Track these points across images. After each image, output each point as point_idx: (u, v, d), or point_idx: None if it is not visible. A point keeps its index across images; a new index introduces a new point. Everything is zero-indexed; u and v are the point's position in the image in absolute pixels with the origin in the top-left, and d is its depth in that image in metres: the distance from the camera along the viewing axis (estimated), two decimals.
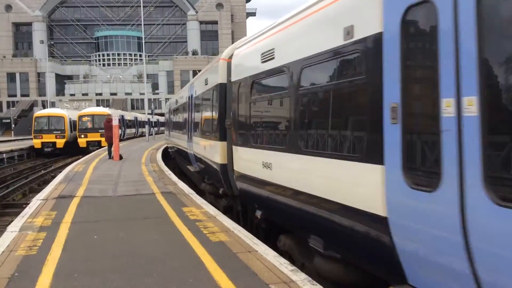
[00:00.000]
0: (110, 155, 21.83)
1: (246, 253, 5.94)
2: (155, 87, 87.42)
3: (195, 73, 66.12)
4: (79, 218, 8.33)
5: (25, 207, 10.44)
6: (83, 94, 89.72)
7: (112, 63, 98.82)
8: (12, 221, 9.80)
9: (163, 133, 58.70)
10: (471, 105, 3.17)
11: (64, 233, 7.14)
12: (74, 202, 10.01)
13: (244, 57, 8.71)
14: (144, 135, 47.85)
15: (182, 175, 19.00)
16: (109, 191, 11.75)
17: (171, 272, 5.29)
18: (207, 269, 5.31)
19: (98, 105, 70.77)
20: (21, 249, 6.28)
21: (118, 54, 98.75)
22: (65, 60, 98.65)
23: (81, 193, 11.28)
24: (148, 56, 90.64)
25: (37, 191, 17.09)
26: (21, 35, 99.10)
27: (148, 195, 11.02)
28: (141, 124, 54.21)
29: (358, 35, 4.49)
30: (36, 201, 10.25)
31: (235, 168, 8.99)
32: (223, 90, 10.10)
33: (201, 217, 8.28)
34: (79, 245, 6.48)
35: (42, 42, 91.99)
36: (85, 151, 34.17)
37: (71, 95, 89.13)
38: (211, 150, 11.01)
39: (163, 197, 10.67)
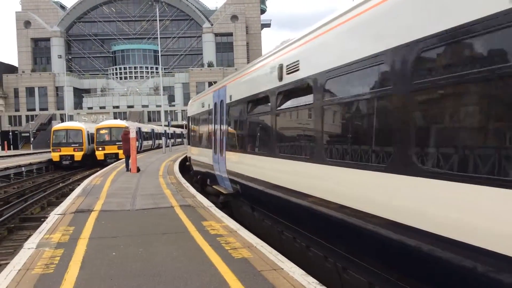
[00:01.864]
0: (127, 168, 21.75)
1: (272, 271, 5.64)
2: (171, 99, 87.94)
3: (210, 84, 66.30)
4: (97, 234, 8.12)
5: (43, 221, 10.29)
6: (100, 107, 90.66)
7: (129, 76, 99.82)
8: (29, 236, 9.66)
9: (180, 144, 58.89)
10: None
11: (82, 250, 6.92)
12: (92, 217, 9.82)
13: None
14: (161, 147, 47.94)
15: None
16: (127, 204, 11.55)
17: None
18: None
19: (115, 117, 71.46)
20: (38, 267, 6.06)
21: (135, 68, 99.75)
22: (82, 74, 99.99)
23: (99, 207, 11.10)
24: (164, 68, 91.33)
25: (55, 204, 17.04)
26: (40, 50, 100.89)
27: (167, 209, 10.79)
28: (158, 136, 54.36)
29: None
30: (53, 216, 10.08)
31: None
32: None
33: (222, 232, 8.00)
34: (97, 263, 6.24)
35: (60, 56, 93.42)
36: (102, 164, 34.26)
37: (89, 108, 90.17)
38: None
39: (182, 210, 10.43)
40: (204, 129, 16.40)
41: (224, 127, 12.83)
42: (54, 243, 7.40)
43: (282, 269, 5.72)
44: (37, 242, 7.51)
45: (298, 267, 5.83)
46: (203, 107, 16.42)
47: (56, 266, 6.09)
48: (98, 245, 7.24)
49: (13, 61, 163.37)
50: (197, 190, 14.45)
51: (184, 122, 36.08)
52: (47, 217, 10.54)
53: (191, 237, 7.68)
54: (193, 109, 19.42)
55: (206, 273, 5.63)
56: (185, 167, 26.84)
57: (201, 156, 16.73)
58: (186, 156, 28.29)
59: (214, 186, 14.20)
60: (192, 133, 19.76)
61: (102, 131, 38.54)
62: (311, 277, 5.38)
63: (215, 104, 14.06)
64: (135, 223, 9.15)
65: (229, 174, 12.09)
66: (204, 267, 5.92)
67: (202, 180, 17.37)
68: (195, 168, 19.36)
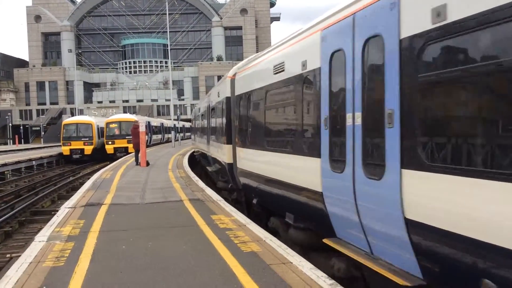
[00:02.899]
0: (137, 162, 21.84)
1: (280, 265, 5.63)
2: (180, 93, 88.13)
3: (219, 78, 66.26)
4: (107, 227, 8.17)
5: (53, 214, 10.38)
6: (110, 101, 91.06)
7: (139, 71, 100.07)
8: (40, 229, 9.74)
9: (189, 138, 59.03)
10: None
11: (92, 243, 6.97)
12: (102, 210, 9.88)
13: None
14: (170, 141, 48.09)
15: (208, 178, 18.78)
16: (136, 198, 11.61)
17: (202, 286, 5.02)
18: (241, 283, 5.03)
19: (125, 112, 71.75)
20: (49, 260, 6.11)
21: (144, 62, 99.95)
22: (92, 68, 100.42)
23: (109, 201, 11.16)
24: (174, 62, 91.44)
25: (66, 197, 17.18)
26: (50, 44, 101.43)
27: (176, 202, 10.83)
28: (167, 130, 54.53)
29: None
30: (64, 209, 10.16)
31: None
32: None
33: (231, 226, 8.01)
34: (107, 256, 6.28)
35: (70, 51, 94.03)
36: (112, 158, 34.45)
37: (99, 102, 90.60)
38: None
39: (191, 204, 10.46)
40: (286, 117, 8.18)
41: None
42: (64, 236, 7.45)
43: (291, 263, 5.72)
44: (48, 235, 7.57)
45: (307, 261, 5.82)
46: (280, 72, 8.10)
47: (67, 259, 6.14)
48: (108, 239, 7.29)
49: (24, 55, 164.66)
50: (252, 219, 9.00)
51: (191, 116, 35.54)
52: (57, 211, 10.63)
53: (200, 230, 7.70)
54: (245, 82, 11.11)
55: (215, 267, 5.65)
56: (194, 161, 26.93)
57: (274, 166, 8.68)
58: (194, 151, 28.32)
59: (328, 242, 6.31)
60: (243, 125, 11.11)
61: (112, 125, 38.72)
62: (320, 271, 5.36)
63: (331, 57, 6.10)
64: (145, 217, 9.20)
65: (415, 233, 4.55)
66: (213, 260, 5.93)
67: (266, 210, 10.00)
68: (248, 182, 10.90)
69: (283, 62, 7.91)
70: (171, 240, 7.13)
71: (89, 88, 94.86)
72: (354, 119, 5.41)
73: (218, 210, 9.62)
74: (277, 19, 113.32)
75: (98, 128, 39.23)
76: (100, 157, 38.00)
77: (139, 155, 21.59)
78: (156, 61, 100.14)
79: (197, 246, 6.72)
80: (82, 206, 10.52)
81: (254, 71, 10.27)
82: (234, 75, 12.27)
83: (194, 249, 6.57)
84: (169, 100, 69.59)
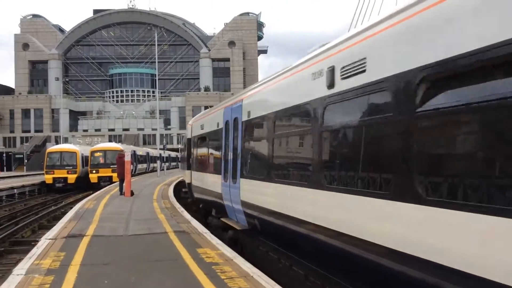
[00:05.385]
0: (121, 191, 21.48)
1: None
2: (167, 122, 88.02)
3: (206, 108, 66.46)
4: (88, 260, 7.89)
5: (33, 245, 10.03)
6: (96, 130, 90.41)
7: (126, 100, 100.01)
8: (19, 260, 9.40)
9: (175, 168, 58.59)
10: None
11: (72, 277, 6.69)
12: (84, 242, 9.58)
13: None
14: (156, 170, 47.61)
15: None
16: (120, 229, 11.31)
17: None
18: None
19: (110, 140, 71.09)
20: None
21: (132, 91, 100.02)
22: (79, 97, 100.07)
23: (91, 232, 10.85)
24: (161, 92, 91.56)
25: (47, 227, 16.73)
26: (37, 72, 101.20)
27: (161, 234, 10.57)
28: (153, 159, 54.12)
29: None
30: (44, 241, 9.83)
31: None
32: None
33: (217, 260, 7.79)
34: None
35: (57, 79, 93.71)
36: (96, 187, 33.91)
37: (84, 130, 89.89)
38: None
39: (176, 236, 10.21)
40: (210, 151, 14.18)
41: (240, 149, 10.45)
42: (44, 270, 7.16)
43: None
44: (27, 268, 7.27)
45: None
46: (209, 126, 14.20)
47: None
48: (89, 273, 7.02)
49: (10, 82, 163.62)
50: (199, 221, 12.78)
51: (180, 146, 35.84)
52: (38, 241, 10.29)
53: (185, 265, 7.47)
54: (195, 129, 17.22)
55: None
56: (179, 191, 26.60)
57: (206, 182, 14.51)
58: (181, 180, 28.06)
59: (223, 219, 12.06)
60: (193, 156, 17.42)
61: (96, 154, 38.30)
62: None
63: (226, 123, 11.74)
64: (128, 250, 8.93)
65: (245, 206, 9.96)
66: None
67: (205, 210, 15.94)
68: (196, 195, 17.00)
69: (209, 122, 14.26)
70: (155, 275, 6.89)
71: (75, 116, 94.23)
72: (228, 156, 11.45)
73: (204, 243, 9.39)
74: (265, 52, 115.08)
75: (82, 157, 38.73)
76: (84, 186, 37.40)
77: (124, 184, 21.26)
78: (143, 91, 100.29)
79: (183, 282, 6.49)
80: (64, 237, 10.19)
81: (200, 123, 16.10)
82: (192, 124, 18.21)
83: (179, 285, 6.34)
84: (155, 129, 69.41)
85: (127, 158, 20.94)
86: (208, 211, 15.08)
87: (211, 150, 14.10)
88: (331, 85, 5.92)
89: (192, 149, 17.68)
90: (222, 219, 12.08)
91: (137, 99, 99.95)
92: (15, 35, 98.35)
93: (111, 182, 33.85)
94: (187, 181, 18.50)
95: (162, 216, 13.86)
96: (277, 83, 8.42)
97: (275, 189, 7.97)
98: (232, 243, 10.88)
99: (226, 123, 11.69)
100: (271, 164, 8.33)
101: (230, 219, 11.58)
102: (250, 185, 9.54)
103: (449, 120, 4.00)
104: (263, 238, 9.48)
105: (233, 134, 10.99)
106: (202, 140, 15.45)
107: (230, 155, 11.08)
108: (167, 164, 53.64)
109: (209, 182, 13.79)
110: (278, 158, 8.29)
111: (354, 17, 19.98)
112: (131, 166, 22.26)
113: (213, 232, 11.17)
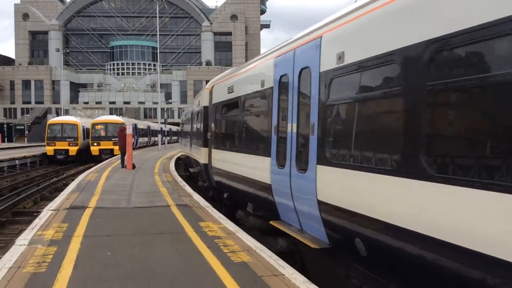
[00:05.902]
0: (123, 164, 21.50)
1: (272, 277, 5.44)
2: (168, 96, 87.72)
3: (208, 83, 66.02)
4: (91, 232, 7.90)
5: (35, 216, 10.05)
6: (96, 103, 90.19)
7: (126, 72, 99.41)
8: (22, 230, 9.43)
9: (175, 142, 58.56)
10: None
11: (75, 248, 6.70)
12: (86, 214, 9.60)
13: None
14: (157, 144, 47.59)
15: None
16: (122, 202, 11.33)
17: None
18: None
19: (111, 113, 70.95)
20: (30, 265, 5.84)
21: (133, 64, 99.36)
22: (80, 69, 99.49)
23: (94, 204, 10.87)
24: (162, 66, 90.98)
25: (49, 199, 16.78)
26: (37, 43, 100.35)
27: (163, 207, 10.58)
28: (154, 133, 54.06)
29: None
30: (47, 212, 9.85)
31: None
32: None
33: (220, 234, 7.80)
34: (92, 263, 6.03)
35: (57, 50, 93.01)
36: (97, 159, 33.96)
37: (85, 103, 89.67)
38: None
39: (179, 210, 10.22)
40: (248, 123, 9.99)
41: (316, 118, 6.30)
42: (47, 240, 7.17)
43: (284, 275, 5.53)
44: (30, 239, 7.28)
45: (300, 274, 5.64)
46: (245, 88, 9.99)
47: (49, 264, 5.88)
48: (92, 244, 7.03)
49: (10, 53, 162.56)
50: (223, 213, 10.33)
51: (181, 119, 35.41)
52: (40, 212, 10.31)
53: (188, 238, 7.48)
54: (217, 93, 12.94)
55: (205, 278, 5.43)
56: (180, 165, 26.63)
57: (238, 166, 10.31)
58: (181, 155, 28.01)
59: (274, 223, 8.04)
60: (214, 130, 13.22)
61: (97, 127, 38.21)
62: (314, 285, 5.19)
63: (281, 79, 7.78)
64: (130, 222, 8.94)
65: (326, 211, 6.08)
66: (202, 270, 5.71)
67: (232, 201, 11.88)
68: (217, 179, 12.69)
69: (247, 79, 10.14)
70: (157, 247, 6.89)
71: (76, 88, 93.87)
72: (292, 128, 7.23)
73: (206, 217, 9.40)
74: (267, 26, 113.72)
75: (83, 129, 38.67)
76: (85, 159, 37.45)
77: (125, 157, 21.25)
78: (144, 64, 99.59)
79: (185, 254, 6.50)
80: (66, 208, 10.21)
81: (228, 84, 11.67)
82: (212, 87, 13.78)
83: (182, 257, 6.35)
84: (156, 103, 69.16)
85: (129, 131, 20.87)
86: (237, 203, 11.08)
87: (249, 121, 9.92)
88: None
89: (211, 121, 13.53)
90: (273, 223, 8.05)
91: (138, 72, 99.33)
92: (15, 4, 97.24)
93: (113, 155, 33.87)
94: (202, 161, 14.07)
95: (164, 189, 13.87)
96: None
97: (406, 189, 4.43)
98: (286, 255, 7.37)
99: (281, 79, 7.77)
100: (395, 142, 4.63)
101: (285, 223, 7.82)
102: (337, 177, 5.80)
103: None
104: (357, 264, 5.78)
105: (297, 96, 7.07)
106: (231, 107, 11.23)
107: (291, 129, 7.20)
108: (168, 138, 53.61)
109: (246, 167, 9.78)
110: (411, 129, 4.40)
111: None
112: (132, 139, 22.19)
113: (250, 233, 8.26)
